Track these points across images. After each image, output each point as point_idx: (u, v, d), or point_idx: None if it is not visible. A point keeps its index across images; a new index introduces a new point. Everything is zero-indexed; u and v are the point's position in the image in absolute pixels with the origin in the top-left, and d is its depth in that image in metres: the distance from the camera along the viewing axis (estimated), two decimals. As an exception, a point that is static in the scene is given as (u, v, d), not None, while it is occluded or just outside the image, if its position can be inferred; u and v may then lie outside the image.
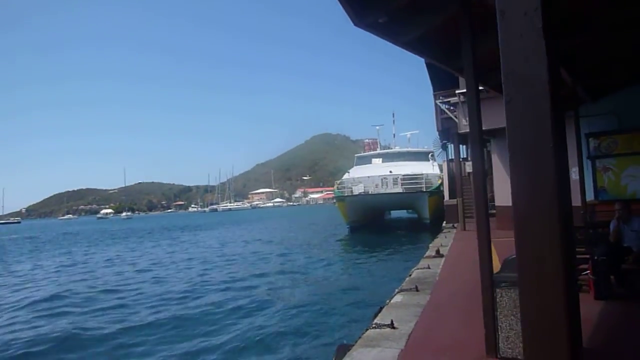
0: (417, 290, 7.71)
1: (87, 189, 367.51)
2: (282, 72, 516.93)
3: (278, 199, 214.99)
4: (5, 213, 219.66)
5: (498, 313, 4.22)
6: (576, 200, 10.82)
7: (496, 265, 4.76)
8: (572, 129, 11.01)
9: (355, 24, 4.20)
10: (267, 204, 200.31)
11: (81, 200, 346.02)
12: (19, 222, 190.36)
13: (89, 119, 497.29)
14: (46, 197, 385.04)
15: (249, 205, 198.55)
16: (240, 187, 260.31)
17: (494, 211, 14.99)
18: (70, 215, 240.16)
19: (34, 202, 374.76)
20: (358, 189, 32.07)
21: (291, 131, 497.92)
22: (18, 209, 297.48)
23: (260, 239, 34.16)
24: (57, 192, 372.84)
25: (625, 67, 8.59)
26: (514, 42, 1.26)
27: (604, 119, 11.65)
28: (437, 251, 11.90)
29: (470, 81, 4.21)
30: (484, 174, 4.53)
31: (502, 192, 15.91)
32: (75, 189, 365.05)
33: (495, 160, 16.21)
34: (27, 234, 68.86)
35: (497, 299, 4.24)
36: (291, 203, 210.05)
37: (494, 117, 12.07)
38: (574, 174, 11.67)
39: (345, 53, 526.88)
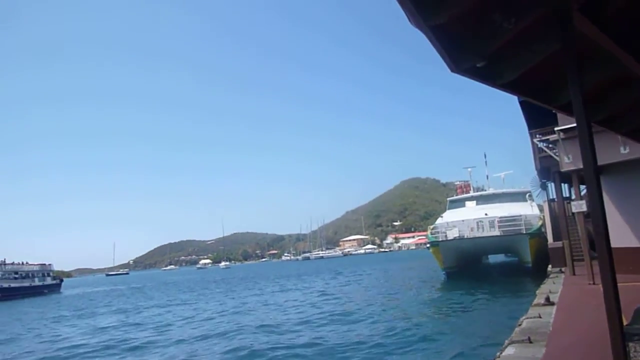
0: (530, 342, 7.18)
1: (187, 241, 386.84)
2: (366, 117, 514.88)
3: (369, 246, 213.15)
4: (115, 265, 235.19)
5: (632, 370, 3.80)
6: None
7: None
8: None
9: (453, 71, 4.15)
10: (359, 251, 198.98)
11: (181, 251, 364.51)
12: (127, 273, 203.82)
13: (186, 174, 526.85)
14: (150, 249, 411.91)
15: (340, 252, 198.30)
16: (331, 234, 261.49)
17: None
18: (172, 266, 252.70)
19: (140, 254, 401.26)
20: (452, 234, 31.01)
21: (379, 177, 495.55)
22: (126, 261, 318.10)
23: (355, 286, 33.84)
24: (160, 245, 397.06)
25: None
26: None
27: None
28: (547, 298, 11.10)
29: (581, 118, 3.95)
30: (604, 214, 4.20)
31: (616, 233, 14.70)
32: (176, 240, 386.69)
33: (606, 199, 15.09)
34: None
35: (631, 355, 3.82)
36: (383, 249, 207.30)
37: (602, 153, 11.36)
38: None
39: (430, 100, 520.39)
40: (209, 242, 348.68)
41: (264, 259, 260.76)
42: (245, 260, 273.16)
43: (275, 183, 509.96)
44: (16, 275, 67.94)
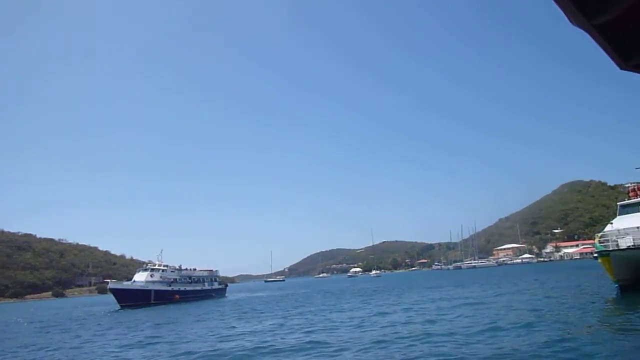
0: None
1: (338, 249, 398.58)
2: (521, 117, 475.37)
3: (526, 255, 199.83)
4: (273, 272, 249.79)
5: None
6: None
7: None
8: None
9: (622, 68, 3.85)
10: (515, 261, 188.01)
11: (332, 259, 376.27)
12: (283, 280, 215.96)
13: (337, 191, 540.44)
14: (304, 257, 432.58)
15: (494, 262, 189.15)
16: (483, 243, 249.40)
17: None
18: (324, 274, 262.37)
19: (294, 262, 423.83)
20: (625, 242, 28.00)
21: (535, 182, 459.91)
22: (282, 268, 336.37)
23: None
24: (312, 253, 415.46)
25: None
26: None
27: None
28: None
29: None
30: None
31: None
32: (328, 249, 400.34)
33: None
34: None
35: None
36: (542, 259, 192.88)
37: None
38: None
39: (592, 96, 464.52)
40: (358, 251, 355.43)
41: (413, 268, 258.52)
42: (395, 269, 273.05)
43: (423, 190, 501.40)
44: (189, 280, 75.82)
